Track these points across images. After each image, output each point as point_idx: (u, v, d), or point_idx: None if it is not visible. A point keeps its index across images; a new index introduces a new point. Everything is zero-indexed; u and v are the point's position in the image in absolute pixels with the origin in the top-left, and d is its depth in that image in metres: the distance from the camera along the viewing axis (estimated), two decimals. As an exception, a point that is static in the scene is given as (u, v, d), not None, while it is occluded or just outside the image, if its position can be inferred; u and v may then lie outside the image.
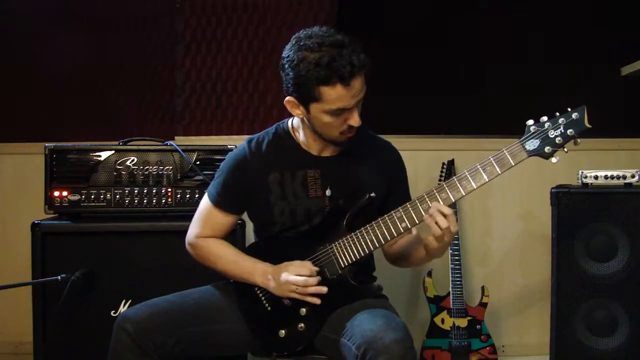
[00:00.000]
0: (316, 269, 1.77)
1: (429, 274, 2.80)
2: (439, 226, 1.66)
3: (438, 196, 1.70)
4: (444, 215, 1.66)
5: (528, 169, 2.84)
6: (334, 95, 1.67)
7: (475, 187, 1.68)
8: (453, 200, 1.69)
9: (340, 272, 1.79)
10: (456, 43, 3.17)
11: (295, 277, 1.74)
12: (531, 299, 3.05)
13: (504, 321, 3.05)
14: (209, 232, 1.96)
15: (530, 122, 1.67)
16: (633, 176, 2.37)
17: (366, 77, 1.73)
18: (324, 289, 1.74)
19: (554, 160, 1.65)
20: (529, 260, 3.04)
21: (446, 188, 1.69)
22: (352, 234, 1.78)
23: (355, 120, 1.74)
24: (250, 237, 2.10)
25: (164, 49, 3.03)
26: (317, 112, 1.74)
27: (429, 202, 1.70)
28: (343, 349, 1.69)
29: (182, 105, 3.02)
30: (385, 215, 1.75)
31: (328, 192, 1.88)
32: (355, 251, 1.77)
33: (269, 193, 1.88)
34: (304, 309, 1.79)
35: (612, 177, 2.39)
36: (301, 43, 1.69)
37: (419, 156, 2.97)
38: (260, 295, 1.86)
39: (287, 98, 1.78)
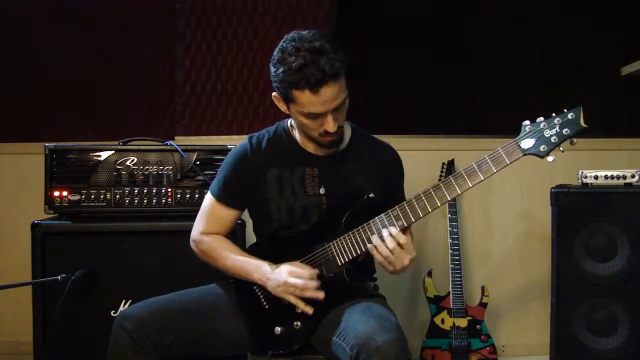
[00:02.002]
0: (316, 271, 1.78)
1: (429, 273, 2.80)
2: (380, 253, 1.71)
3: (434, 195, 1.72)
4: (388, 247, 1.70)
5: (528, 169, 2.86)
6: (304, 99, 1.71)
7: (471, 186, 1.70)
8: (449, 199, 1.72)
9: (337, 270, 1.79)
10: (456, 43, 3.17)
11: (294, 279, 1.74)
12: (531, 299, 3.05)
13: (504, 321, 3.05)
14: (212, 228, 1.97)
15: (527, 122, 1.69)
16: (633, 176, 2.38)
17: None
18: (321, 295, 1.74)
19: (549, 159, 1.66)
20: (529, 260, 3.04)
21: (442, 187, 1.71)
22: (350, 232, 1.79)
23: (329, 126, 1.76)
24: (251, 237, 2.10)
25: (164, 49, 3.03)
26: (294, 112, 1.79)
27: (425, 200, 1.72)
28: (337, 349, 1.69)
29: (182, 105, 3.02)
30: (382, 214, 1.76)
31: (322, 191, 1.89)
32: (352, 249, 1.78)
33: (267, 189, 1.90)
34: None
35: (612, 177, 2.39)
36: (284, 45, 1.74)
37: (419, 156, 2.96)
38: (259, 292, 1.86)
39: (273, 93, 1.84)
